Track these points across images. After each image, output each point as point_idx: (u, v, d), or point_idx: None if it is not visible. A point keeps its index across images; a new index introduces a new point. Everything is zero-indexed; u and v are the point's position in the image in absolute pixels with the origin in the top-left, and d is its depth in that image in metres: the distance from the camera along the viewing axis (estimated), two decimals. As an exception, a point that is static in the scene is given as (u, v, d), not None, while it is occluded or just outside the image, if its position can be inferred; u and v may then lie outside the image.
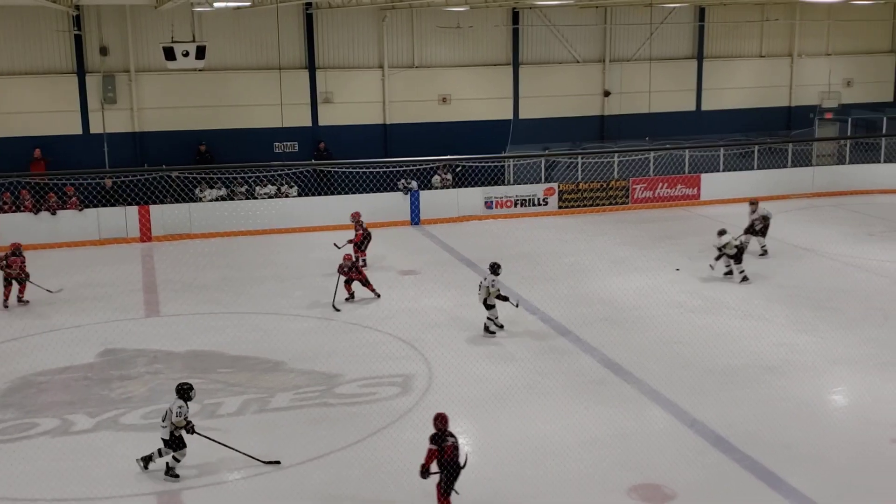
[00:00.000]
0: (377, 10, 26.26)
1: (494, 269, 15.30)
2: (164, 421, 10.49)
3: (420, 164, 24.80)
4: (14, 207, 22.57)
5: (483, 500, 9.94)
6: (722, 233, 18.47)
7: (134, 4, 23.71)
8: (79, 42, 24.32)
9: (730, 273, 18.54)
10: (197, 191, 24.09)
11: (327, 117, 26.67)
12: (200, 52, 20.09)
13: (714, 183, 27.12)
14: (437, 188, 25.53)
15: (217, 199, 24.09)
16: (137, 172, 22.81)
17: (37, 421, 12.02)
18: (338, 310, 16.80)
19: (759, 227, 20.27)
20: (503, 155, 25.60)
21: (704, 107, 30.46)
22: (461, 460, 9.37)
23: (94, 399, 12.77)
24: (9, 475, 10.52)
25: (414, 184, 25.36)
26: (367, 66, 26.94)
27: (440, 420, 9.39)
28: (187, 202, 23.55)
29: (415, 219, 25.00)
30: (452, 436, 9.40)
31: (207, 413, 12.20)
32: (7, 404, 12.64)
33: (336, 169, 24.85)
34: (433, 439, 9.26)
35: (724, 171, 27.55)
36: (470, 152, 25.38)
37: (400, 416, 12.09)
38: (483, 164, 25.34)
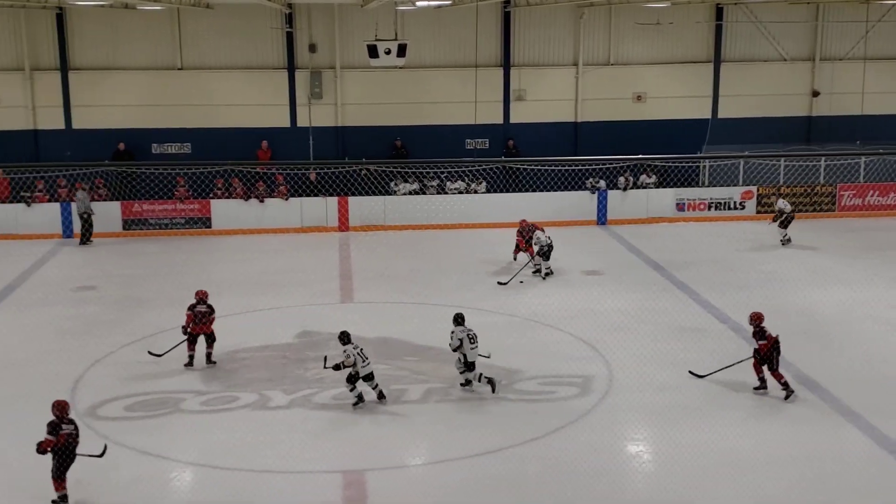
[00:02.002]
0: (575, 7, 26.19)
1: (457, 319, 13.01)
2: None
3: (610, 164, 24.57)
4: (226, 194, 24.23)
5: (660, 508, 9.82)
6: None
7: (342, 3, 24.83)
8: (290, 39, 25.75)
9: None
10: (392, 184, 24.98)
11: (519, 115, 26.88)
12: (402, 50, 20.79)
13: (933, 192, 25.26)
14: (619, 189, 25.15)
15: (410, 193, 24.86)
16: (338, 165, 23.94)
17: (238, 395, 12.90)
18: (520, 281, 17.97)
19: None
20: (699, 155, 24.93)
21: (924, 110, 28.38)
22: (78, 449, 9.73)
23: (290, 377, 13.54)
24: (210, 444, 11.37)
25: (602, 183, 25.15)
26: (561, 64, 26.92)
27: (57, 408, 9.80)
28: (382, 195, 24.47)
29: (601, 219, 24.79)
30: (71, 423, 9.77)
31: (392, 398, 12.67)
32: (212, 377, 13.63)
33: (525, 166, 25.02)
34: (50, 428, 9.61)
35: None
36: (664, 152, 24.86)
37: (578, 418, 12.10)
38: (677, 164, 24.80)
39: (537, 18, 26.47)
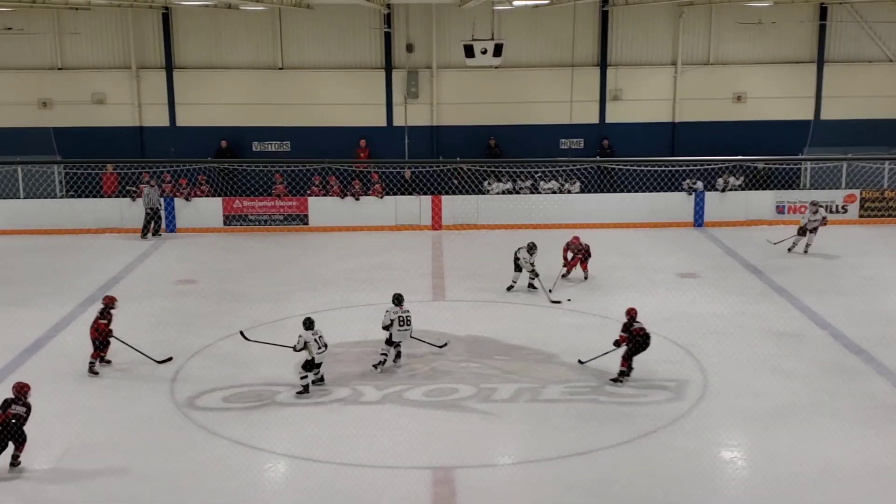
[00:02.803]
0: (674, 6, 25.78)
1: (396, 300, 13.76)
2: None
3: (707, 165, 24.11)
4: (323, 192, 24.69)
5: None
6: None
7: (440, 3, 25.00)
8: (388, 39, 26.06)
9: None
10: (485, 184, 25.04)
11: (615, 114, 26.60)
12: (498, 50, 20.82)
13: None
14: (717, 191, 24.62)
15: (503, 193, 24.87)
16: (433, 164, 24.14)
17: (330, 389, 13.10)
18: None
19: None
20: (800, 157, 24.24)
21: None
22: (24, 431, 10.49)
23: (382, 373, 13.73)
24: (302, 436, 11.60)
25: (699, 184, 24.69)
26: (659, 64, 26.54)
27: (16, 388, 10.64)
28: (475, 194, 24.55)
29: (698, 220, 24.33)
30: (25, 405, 10.53)
31: (482, 397, 12.72)
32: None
33: (620, 166, 24.76)
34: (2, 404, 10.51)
35: None
36: (763, 153, 24.25)
37: (671, 422, 11.92)
38: (777, 166, 24.11)
39: (635, 17, 26.15)
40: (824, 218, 21.14)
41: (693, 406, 12.42)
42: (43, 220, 23.45)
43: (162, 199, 23.64)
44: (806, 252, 20.93)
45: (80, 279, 18.83)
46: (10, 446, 10.55)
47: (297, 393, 12.77)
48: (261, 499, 10.30)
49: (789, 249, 21.01)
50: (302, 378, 12.83)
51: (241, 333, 13.83)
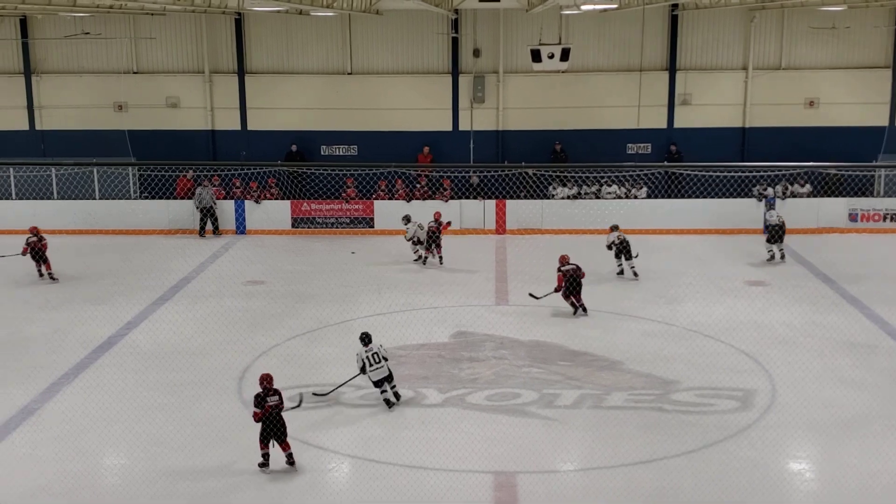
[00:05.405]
0: (746, 10, 25.36)
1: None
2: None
3: (778, 171, 23.67)
4: (389, 195, 24.90)
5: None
6: None
7: (507, 8, 25.02)
8: (455, 44, 26.18)
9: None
10: (550, 188, 24.97)
11: (683, 119, 26.29)
12: (565, 55, 20.74)
13: None
14: (778, 197, 24.10)
15: (568, 198, 24.77)
16: (497, 168, 24.14)
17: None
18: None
19: None
20: (873, 164, 23.68)
21: None
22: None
23: (444, 376, 13.79)
24: (366, 437, 11.73)
25: (770, 191, 24.24)
26: (729, 68, 26.15)
27: (266, 380, 10.81)
28: (540, 199, 24.48)
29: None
30: (276, 394, 10.77)
31: (545, 402, 12.70)
32: (372, 372, 14.06)
33: (687, 171, 24.45)
34: (257, 400, 10.76)
35: None
36: (836, 160, 23.71)
37: (738, 432, 11.75)
38: (849, 172, 23.56)
39: (706, 22, 25.80)
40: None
41: (760, 416, 12.23)
42: (117, 221, 24.10)
43: (216, 199, 24.10)
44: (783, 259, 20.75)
45: (152, 279, 19.30)
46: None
47: (388, 405, 12.55)
48: (324, 498, 10.46)
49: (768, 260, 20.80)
50: (382, 392, 12.62)
51: (314, 394, 12.89)
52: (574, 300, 16.73)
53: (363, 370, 12.64)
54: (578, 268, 16.77)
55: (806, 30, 25.62)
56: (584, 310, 16.70)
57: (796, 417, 12.03)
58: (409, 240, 20.96)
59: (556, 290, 16.77)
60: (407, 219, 21.09)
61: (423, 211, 21.84)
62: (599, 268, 20.03)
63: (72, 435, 11.71)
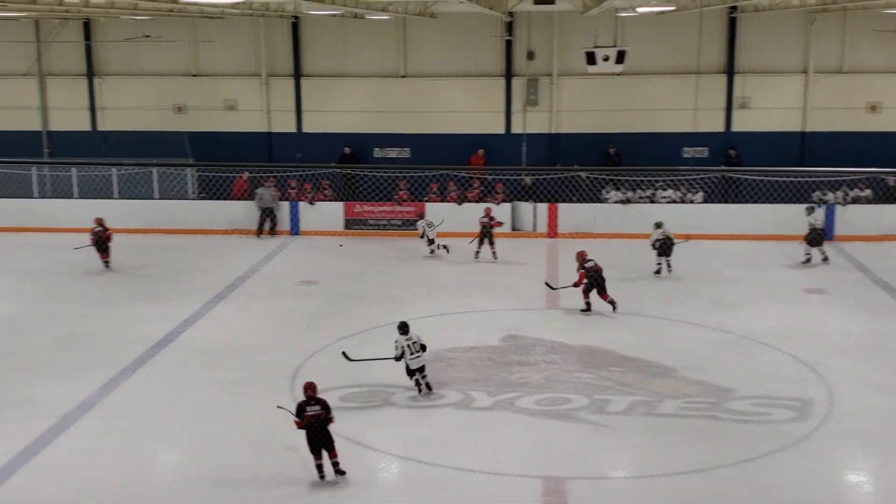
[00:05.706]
0: (806, 13, 24.89)
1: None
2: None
3: (839, 176, 23.17)
4: (440, 198, 24.94)
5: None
6: None
7: (562, 10, 24.91)
8: (509, 47, 26.14)
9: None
10: (603, 192, 24.77)
11: (741, 123, 25.91)
12: (620, 57, 20.57)
13: None
14: (838, 203, 23.57)
15: (621, 202, 24.53)
16: (550, 171, 24.00)
17: (444, 392, 13.20)
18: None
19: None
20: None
21: None
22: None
23: (494, 379, 13.74)
24: (414, 438, 11.75)
25: (830, 196, 23.74)
26: (788, 71, 25.70)
27: (310, 388, 10.56)
28: (593, 202, 24.30)
29: (828, 234, 23.30)
30: (318, 402, 10.42)
31: (596, 408, 12.60)
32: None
33: (746, 176, 24.07)
34: (297, 410, 10.47)
35: None
36: (898, 166, 23.19)
37: (794, 443, 11.52)
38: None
39: (765, 24, 25.39)
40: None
41: (817, 426, 11.98)
42: (176, 220, 24.48)
43: (277, 200, 24.33)
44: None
45: (209, 278, 19.60)
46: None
47: (429, 389, 13.03)
48: (371, 497, 10.47)
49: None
50: (421, 378, 12.99)
51: (344, 354, 13.66)
52: (601, 297, 16.86)
53: (399, 357, 12.88)
54: (598, 266, 17.02)
55: (868, 33, 25.06)
56: (614, 305, 16.85)
57: (854, 428, 11.77)
58: (421, 237, 21.83)
59: (576, 286, 16.95)
60: (420, 216, 22.16)
61: (475, 214, 21.85)
62: (651, 273, 19.86)
63: (127, 431, 11.92)
